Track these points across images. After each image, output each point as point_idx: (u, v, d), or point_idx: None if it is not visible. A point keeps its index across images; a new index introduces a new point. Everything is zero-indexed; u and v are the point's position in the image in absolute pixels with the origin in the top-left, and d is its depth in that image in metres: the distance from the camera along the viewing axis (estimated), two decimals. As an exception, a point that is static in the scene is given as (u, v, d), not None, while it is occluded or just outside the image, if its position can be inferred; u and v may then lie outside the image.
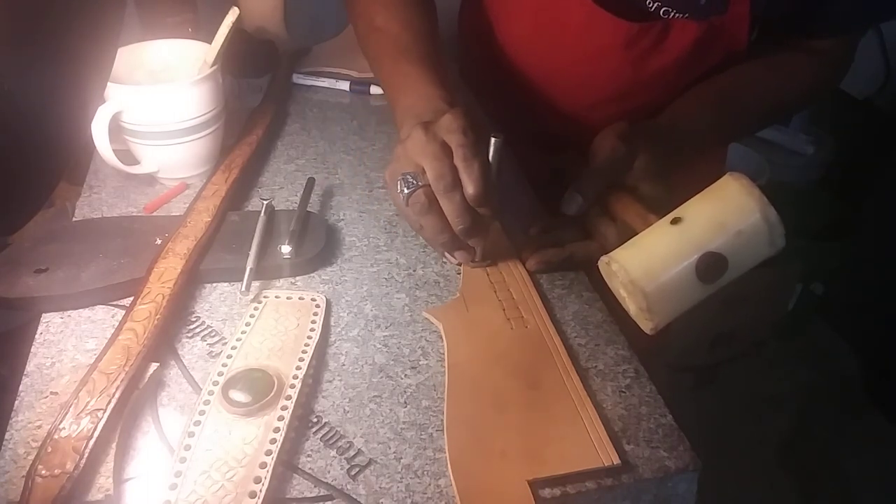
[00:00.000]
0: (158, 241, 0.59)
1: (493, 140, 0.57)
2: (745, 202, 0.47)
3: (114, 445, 0.43)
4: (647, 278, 0.48)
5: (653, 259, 0.49)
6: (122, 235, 0.60)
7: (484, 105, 0.89)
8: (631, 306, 0.50)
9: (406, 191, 0.55)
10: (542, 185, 0.74)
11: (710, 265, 0.47)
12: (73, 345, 0.52)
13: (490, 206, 0.55)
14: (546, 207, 0.71)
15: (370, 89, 0.89)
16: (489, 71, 0.85)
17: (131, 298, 0.53)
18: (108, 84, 0.62)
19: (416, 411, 0.48)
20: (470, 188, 0.54)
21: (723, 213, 0.48)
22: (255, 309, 0.55)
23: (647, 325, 0.49)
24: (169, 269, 0.55)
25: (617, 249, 0.51)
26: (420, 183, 0.55)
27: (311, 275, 0.60)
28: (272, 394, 0.46)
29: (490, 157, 0.56)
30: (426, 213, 0.56)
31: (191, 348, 0.52)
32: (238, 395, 0.46)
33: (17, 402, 0.47)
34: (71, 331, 0.53)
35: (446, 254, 0.61)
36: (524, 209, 0.70)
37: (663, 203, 0.52)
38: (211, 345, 0.52)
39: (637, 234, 0.51)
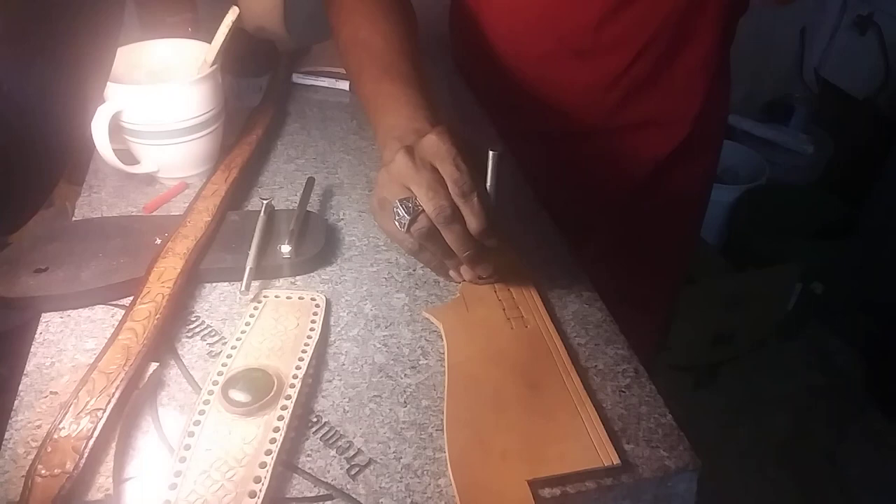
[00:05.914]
0: (158, 241, 0.59)
1: (490, 154, 0.55)
2: None
3: (113, 445, 0.43)
4: None
5: None
6: (122, 235, 0.60)
7: (479, 95, 0.89)
8: None
9: (407, 217, 0.53)
10: (536, 174, 0.74)
11: None
12: (72, 344, 0.52)
13: (496, 235, 0.54)
14: (543, 200, 0.71)
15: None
16: (481, 57, 0.86)
17: (131, 298, 0.53)
18: (108, 84, 0.62)
19: (416, 411, 0.48)
20: (474, 224, 0.52)
21: None
22: (255, 309, 0.55)
23: None
24: (169, 269, 0.55)
25: None
26: (420, 208, 0.53)
27: (311, 274, 0.60)
28: (272, 393, 0.46)
29: (489, 174, 0.55)
30: (431, 239, 0.54)
31: (191, 348, 0.52)
32: (238, 395, 0.46)
33: (16, 402, 0.47)
34: (71, 330, 0.53)
35: (451, 272, 0.59)
36: (525, 211, 0.70)
37: None
38: (211, 344, 0.52)
39: None
